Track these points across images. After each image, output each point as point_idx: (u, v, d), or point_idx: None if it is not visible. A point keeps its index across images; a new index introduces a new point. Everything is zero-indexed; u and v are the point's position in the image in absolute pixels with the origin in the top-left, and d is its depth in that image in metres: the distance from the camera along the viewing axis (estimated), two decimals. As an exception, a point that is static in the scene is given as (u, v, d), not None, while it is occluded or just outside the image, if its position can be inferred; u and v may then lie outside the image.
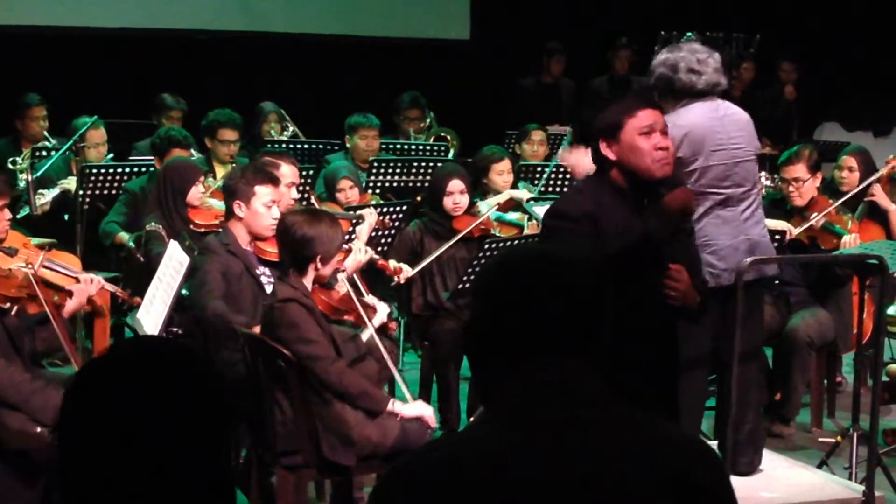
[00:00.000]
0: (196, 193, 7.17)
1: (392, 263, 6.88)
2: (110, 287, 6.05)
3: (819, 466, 6.32)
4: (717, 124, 5.59)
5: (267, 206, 6.03)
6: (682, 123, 5.50)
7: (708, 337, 5.32)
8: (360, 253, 6.34)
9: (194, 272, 5.89)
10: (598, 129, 4.75)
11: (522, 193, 8.00)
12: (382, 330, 5.78)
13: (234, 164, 8.40)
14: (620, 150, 4.65)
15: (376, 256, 6.63)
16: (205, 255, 5.99)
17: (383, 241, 7.39)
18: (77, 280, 5.76)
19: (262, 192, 6.04)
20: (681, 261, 4.70)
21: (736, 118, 5.70)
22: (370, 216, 7.02)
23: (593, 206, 4.60)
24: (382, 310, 5.82)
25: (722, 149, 5.57)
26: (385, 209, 7.46)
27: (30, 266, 5.57)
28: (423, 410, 5.42)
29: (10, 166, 8.61)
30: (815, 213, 7.30)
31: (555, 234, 4.67)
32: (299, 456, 5.19)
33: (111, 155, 9.00)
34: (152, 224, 7.03)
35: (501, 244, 6.97)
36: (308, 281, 5.31)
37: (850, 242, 7.24)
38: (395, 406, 5.34)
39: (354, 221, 6.99)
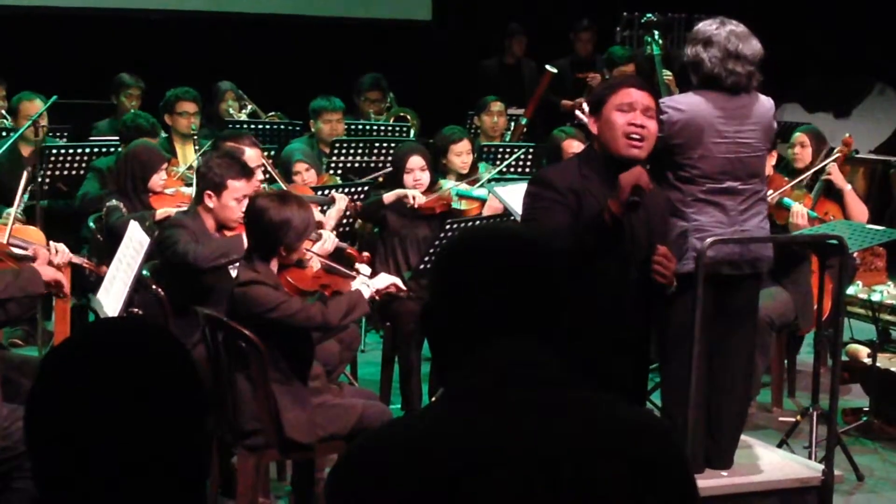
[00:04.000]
0: (158, 180, 7.13)
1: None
2: (77, 259, 6.00)
3: (779, 446, 6.36)
4: (725, 115, 5.40)
5: (238, 200, 5.97)
6: (684, 108, 5.38)
7: (689, 323, 5.33)
8: (328, 242, 6.28)
9: (165, 241, 5.88)
10: (588, 105, 4.84)
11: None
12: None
13: (194, 137, 8.38)
14: (599, 124, 4.71)
15: (343, 245, 6.59)
16: (175, 227, 5.98)
17: (345, 220, 7.38)
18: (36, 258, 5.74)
19: (235, 187, 5.98)
20: (662, 242, 4.80)
21: (754, 110, 5.49)
22: (341, 201, 6.99)
23: (580, 178, 4.67)
24: (365, 272, 5.82)
25: (725, 141, 5.39)
26: (347, 189, 7.46)
27: None
28: (391, 279, 5.66)
29: None
30: (770, 191, 7.34)
31: (538, 201, 4.69)
32: (260, 436, 5.19)
33: (66, 136, 8.93)
34: (112, 201, 7.00)
35: (463, 223, 6.98)
36: (273, 266, 5.29)
37: (800, 212, 7.26)
38: (367, 284, 5.54)
39: (322, 207, 6.96)
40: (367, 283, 5.55)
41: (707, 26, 5.53)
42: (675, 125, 5.35)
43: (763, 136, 5.54)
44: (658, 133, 4.93)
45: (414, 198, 7.17)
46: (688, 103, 5.43)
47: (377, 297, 5.74)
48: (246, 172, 6.10)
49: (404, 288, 5.79)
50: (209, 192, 5.99)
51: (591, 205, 4.62)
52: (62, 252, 5.71)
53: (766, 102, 5.59)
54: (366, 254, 6.66)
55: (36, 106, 8.58)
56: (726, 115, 5.42)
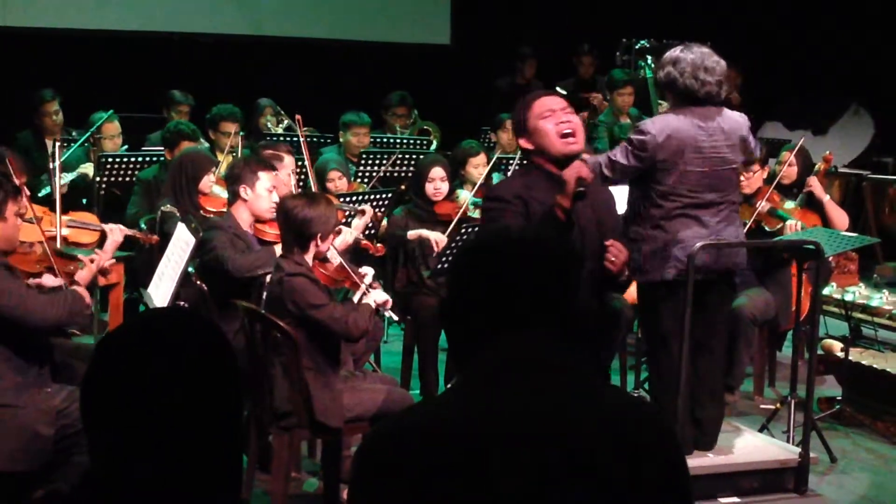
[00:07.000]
0: (207, 182, 7.17)
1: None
2: (130, 231, 6.12)
3: (760, 430, 6.34)
4: (702, 133, 5.28)
5: (268, 190, 6.14)
6: (665, 127, 5.28)
7: (676, 321, 5.31)
8: (349, 234, 6.33)
9: (205, 243, 5.92)
10: (514, 129, 4.89)
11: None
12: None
13: (234, 155, 8.38)
14: (531, 138, 4.72)
15: (360, 237, 6.63)
16: (214, 230, 6.05)
17: (370, 224, 7.35)
18: (101, 232, 5.77)
19: (265, 178, 6.16)
20: (613, 235, 4.87)
21: (728, 128, 5.37)
22: (368, 214, 6.97)
23: (524, 189, 4.70)
24: (370, 273, 5.82)
25: (703, 157, 5.28)
26: (373, 196, 7.44)
27: (49, 231, 5.58)
28: (386, 296, 5.51)
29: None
30: (761, 201, 7.34)
31: (492, 213, 4.75)
32: (293, 418, 5.18)
33: (125, 146, 8.97)
34: (167, 206, 7.01)
35: (477, 227, 6.95)
36: (309, 257, 5.29)
37: (793, 226, 7.25)
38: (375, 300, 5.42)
39: (349, 214, 6.94)
40: (376, 298, 5.43)
41: (672, 52, 5.46)
42: (656, 145, 5.23)
43: (736, 151, 5.43)
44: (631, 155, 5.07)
45: (437, 243, 7.08)
46: (666, 124, 5.31)
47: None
48: (272, 166, 6.34)
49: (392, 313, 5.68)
50: (244, 185, 6.12)
51: (536, 210, 4.64)
52: (118, 229, 5.79)
53: (738, 118, 5.50)
54: (379, 245, 6.64)
55: (114, 126, 8.88)
56: (704, 133, 5.31)
